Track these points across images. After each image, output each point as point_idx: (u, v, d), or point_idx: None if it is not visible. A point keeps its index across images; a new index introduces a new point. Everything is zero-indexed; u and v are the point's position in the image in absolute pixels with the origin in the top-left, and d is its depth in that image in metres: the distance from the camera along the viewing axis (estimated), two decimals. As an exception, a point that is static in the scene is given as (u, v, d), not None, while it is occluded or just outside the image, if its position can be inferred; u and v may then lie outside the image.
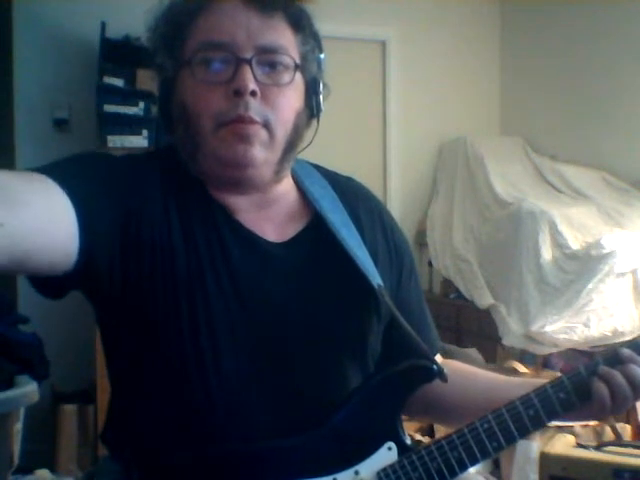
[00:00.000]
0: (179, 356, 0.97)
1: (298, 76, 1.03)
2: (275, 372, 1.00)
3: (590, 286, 3.15)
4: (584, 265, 3.19)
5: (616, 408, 1.01)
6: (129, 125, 3.47)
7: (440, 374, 1.02)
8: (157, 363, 0.99)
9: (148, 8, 1.05)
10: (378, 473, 0.97)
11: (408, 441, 1.01)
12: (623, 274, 3.19)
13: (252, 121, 0.98)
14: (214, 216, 1.02)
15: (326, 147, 4.23)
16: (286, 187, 1.09)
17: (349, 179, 1.20)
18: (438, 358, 1.17)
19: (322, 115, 1.09)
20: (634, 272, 3.19)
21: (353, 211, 1.12)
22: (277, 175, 1.04)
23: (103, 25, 3.60)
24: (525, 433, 1.00)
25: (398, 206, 4.51)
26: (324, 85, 1.08)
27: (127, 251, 0.95)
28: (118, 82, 3.49)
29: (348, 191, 1.15)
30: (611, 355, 1.03)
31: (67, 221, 0.88)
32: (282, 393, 1.00)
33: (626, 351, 1.02)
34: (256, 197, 1.05)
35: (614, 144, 3.90)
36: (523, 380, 1.19)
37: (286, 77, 1.01)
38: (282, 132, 1.01)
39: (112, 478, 1.03)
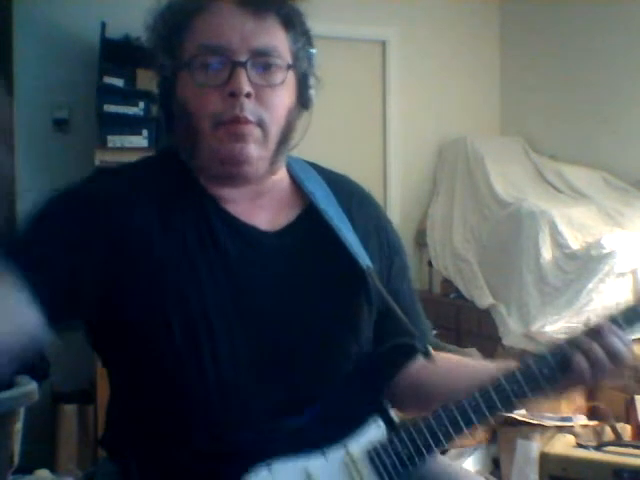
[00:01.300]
0: (175, 345, 1.00)
1: (290, 74, 1.07)
2: (270, 358, 1.03)
3: (590, 286, 3.15)
4: (584, 265, 3.19)
5: (594, 380, 1.04)
6: (129, 125, 3.47)
7: (424, 352, 1.07)
8: (153, 353, 1.01)
9: (148, 7, 1.06)
10: (367, 449, 1.01)
11: (396, 419, 1.05)
12: (623, 274, 3.18)
13: (247, 121, 1.02)
14: (207, 210, 1.06)
15: (326, 147, 4.23)
16: (280, 177, 1.14)
17: (345, 177, 1.24)
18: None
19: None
20: (634, 272, 3.19)
21: (347, 208, 1.15)
22: (271, 167, 1.09)
23: (103, 25, 3.60)
24: (509, 406, 1.04)
25: (398, 206, 4.51)
26: (315, 78, 1.12)
27: (120, 275, 1.00)
28: (118, 82, 3.49)
29: (343, 189, 1.18)
30: (591, 329, 1.06)
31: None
32: (277, 377, 1.03)
33: (605, 324, 1.05)
34: (250, 189, 1.09)
35: (614, 144, 3.90)
36: (508, 363, 1.21)
37: (279, 77, 1.05)
38: (275, 129, 1.05)
39: (112, 479, 1.04)
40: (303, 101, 1.10)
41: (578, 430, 2.80)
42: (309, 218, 1.11)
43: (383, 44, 4.50)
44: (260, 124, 1.03)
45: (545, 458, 2.24)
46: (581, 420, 2.94)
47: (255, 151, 1.04)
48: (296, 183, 1.15)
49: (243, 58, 1.02)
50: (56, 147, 3.81)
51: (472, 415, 1.02)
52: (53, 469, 3.00)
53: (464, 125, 4.54)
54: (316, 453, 1.00)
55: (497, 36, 4.75)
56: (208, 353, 0.99)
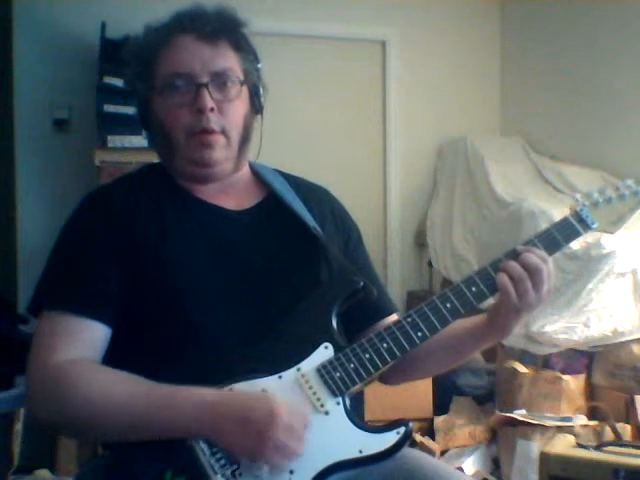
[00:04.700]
0: (175, 289, 1.20)
1: (244, 88, 1.32)
2: (243, 295, 1.22)
3: (590, 286, 3.15)
4: (584, 265, 3.19)
5: (522, 297, 1.18)
6: (129, 125, 3.46)
7: (364, 286, 1.23)
8: (160, 301, 1.20)
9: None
10: (317, 368, 1.17)
11: (342, 343, 1.19)
12: (623, 274, 3.18)
13: (213, 131, 1.27)
14: (182, 198, 1.30)
15: (326, 147, 4.22)
16: (243, 173, 1.38)
17: (303, 178, 1.46)
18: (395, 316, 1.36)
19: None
20: (634, 272, 3.18)
21: (303, 198, 1.38)
22: (236, 165, 1.34)
23: (103, 25, 3.61)
24: (445, 323, 1.20)
25: (398, 206, 4.51)
26: (263, 87, 1.37)
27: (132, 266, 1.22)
28: (118, 82, 3.48)
29: (300, 184, 1.42)
30: (510, 251, 1.21)
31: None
32: (247, 309, 1.21)
33: (520, 247, 1.21)
34: (219, 184, 1.33)
35: (614, 144, 3.90)
36: (474, 318, 1.33)
37: (234, 92, 1.30)
38: (236, 133, 1.31)
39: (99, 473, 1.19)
40: (256, 107, 1.36)
41: (578, 430, 2.81)
42: (269, 202, 1.35)
43: (383, 44, 4.50)
44: (223, 132, 1.28)
45: (545, 458, 2.24)
46: (581, 420, 2.94)
47: (220, 154, 1.29)
48: (258, 178, 1.39)
49: (205, 80, 1.26)
50: (56, 147, 3.82)
51: (412, 333, 1.18)
52: (53, 469, 3.00)
53: (464, 125, 4.54)
54: (273, 376, 1.15)
55: (497, 36, 4.75)
56: (195, 295, 1.20)
